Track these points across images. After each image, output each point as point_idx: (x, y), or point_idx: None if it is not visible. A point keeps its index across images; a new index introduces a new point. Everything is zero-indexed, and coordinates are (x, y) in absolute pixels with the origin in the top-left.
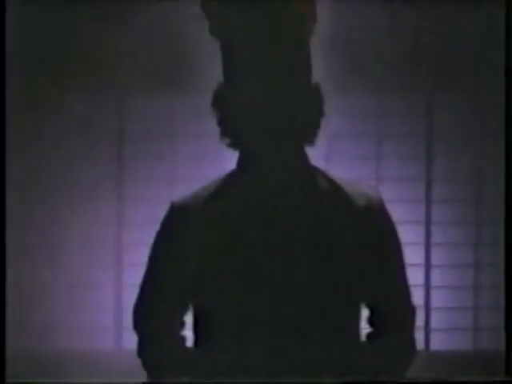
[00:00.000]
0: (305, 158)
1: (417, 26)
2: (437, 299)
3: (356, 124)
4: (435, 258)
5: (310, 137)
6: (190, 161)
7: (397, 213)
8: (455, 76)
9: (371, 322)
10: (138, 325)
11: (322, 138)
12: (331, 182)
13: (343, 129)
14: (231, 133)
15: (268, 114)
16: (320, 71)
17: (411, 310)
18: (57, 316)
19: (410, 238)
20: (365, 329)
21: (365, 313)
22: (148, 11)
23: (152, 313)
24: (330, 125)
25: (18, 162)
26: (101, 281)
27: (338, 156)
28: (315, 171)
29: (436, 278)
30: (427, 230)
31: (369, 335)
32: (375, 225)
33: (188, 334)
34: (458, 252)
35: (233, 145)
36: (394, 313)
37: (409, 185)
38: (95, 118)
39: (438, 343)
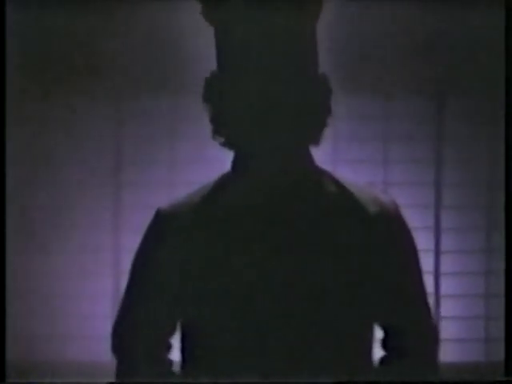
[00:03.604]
0: (309, 159)
1: (426, 27)
2: (446, 308)
3: (363, 127)
4: (445, 266)
5: (315, 135)
6: (189, 164)
7: None
8: (465, 78)
9: (385, 345)
10: (118, 347)
11: (328, 141)
12: (340, 186)
13: (350, 131)
14: (225, 130)
15: (266, 108)
16: (327, 72)
17: (432, 331)
18: (53, 326)
19: (419, 244)
20: (378, 353)
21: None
22: (147, 11)
23: (135, 334)
24: (337, 127)
25: (16, 164)
26: (98, 289)
27: (345, 159)
28: (322, 174)
29: (446, 286)
30: (437, 237)
31: (382, 360)
32: (389, 233)
33: (175, 356)
34: (469, 259)
35: (226, 144)
36: (412, 335)
37: (418, 189)
38: (93, 120)
39: (447, 354)
